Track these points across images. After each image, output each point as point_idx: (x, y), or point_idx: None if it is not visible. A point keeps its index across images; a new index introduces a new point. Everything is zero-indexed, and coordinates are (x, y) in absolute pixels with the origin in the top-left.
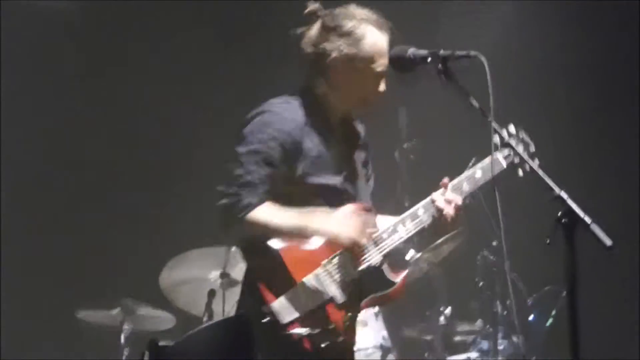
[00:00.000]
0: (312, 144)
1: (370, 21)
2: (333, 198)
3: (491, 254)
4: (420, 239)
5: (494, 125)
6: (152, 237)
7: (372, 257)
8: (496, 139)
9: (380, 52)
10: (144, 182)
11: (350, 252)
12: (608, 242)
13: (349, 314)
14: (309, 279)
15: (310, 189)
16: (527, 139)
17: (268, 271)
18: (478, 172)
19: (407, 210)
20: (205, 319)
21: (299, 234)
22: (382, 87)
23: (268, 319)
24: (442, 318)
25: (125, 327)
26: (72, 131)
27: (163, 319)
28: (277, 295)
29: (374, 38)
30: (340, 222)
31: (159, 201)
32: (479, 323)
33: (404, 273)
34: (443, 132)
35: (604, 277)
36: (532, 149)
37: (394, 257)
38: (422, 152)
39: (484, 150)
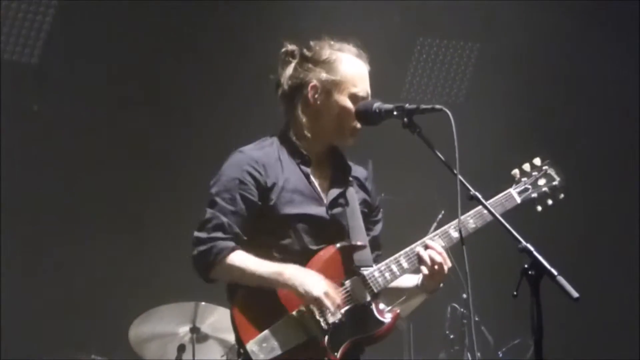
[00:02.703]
0: (287, 176)
1: (347, 50)
2: (318, 229)
3: (460, 306)
4: (390, 293)
5: (460, 178)
6: (121, 292)
7: (361, 296)
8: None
9: (360, 77)
10: (113, 236)
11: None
12: (574, 294)
13: (330, 356)
14: (289, 318)
15: (285, 220)
16: (552, 172)
17: (247, 309)
18: (470, 221)
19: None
20: None
21: (272, 282)
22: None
23: (242, 358)
24: None
25: None
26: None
27: None
28: (254, 335)
29: (352, 63)
30: (311, 280)
31: (129, 258)
32: None
33: (395, 313)
34: (411, 184)
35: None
36: (557, 182)
37: (385, 297)
38: (391, 204)
39: (453, 202)
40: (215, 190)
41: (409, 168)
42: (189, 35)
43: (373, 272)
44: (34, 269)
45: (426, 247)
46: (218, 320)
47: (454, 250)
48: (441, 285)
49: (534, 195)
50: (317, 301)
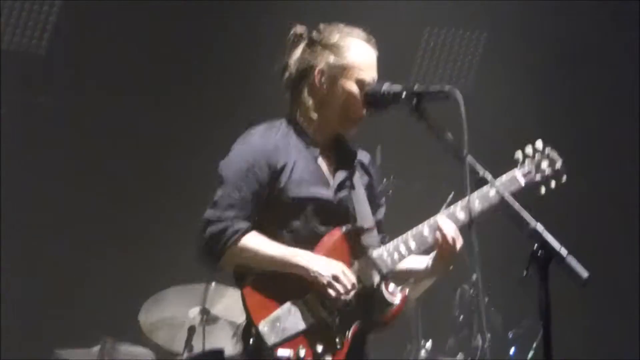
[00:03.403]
0: (296, 159)
1: (356, 35)
2: (326, 212)
3: (470, 287)
4: (399, 276)
5: (470, 160)
6: (131, 275)
7: (370, 278)
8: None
9: (367, 63)
10: (122, 219)
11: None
12: (584, 274)
13: (339, 337)
14: (301, 299)
15: (295, 203)
16: (554, 155)
17: (258, 290)
18: (476, 202)
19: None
20: (185, 355)
21: (285, 266)
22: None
23: (253, 339)
24: (422, 352)
25: None
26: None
27: (143, 356)
28: (265, 315)
29: (360, 49)
30: (321, 264)
31: (138, 239)
32: (459, 357)
33: (404, 294)
34: (420, 167)
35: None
36: (559, 165)
37: (394, 279)
38: (400, 189)
39: (462, 186)
40: (225, 170)
41: (418, 153)
42: (200, 27)
43: (381, 253)
44: (40, 252)
45: (437, 227)
46: (229, 301)
47: (462, 232)
48: (451, 267)
49: (538, 177)
50: (327, 285)
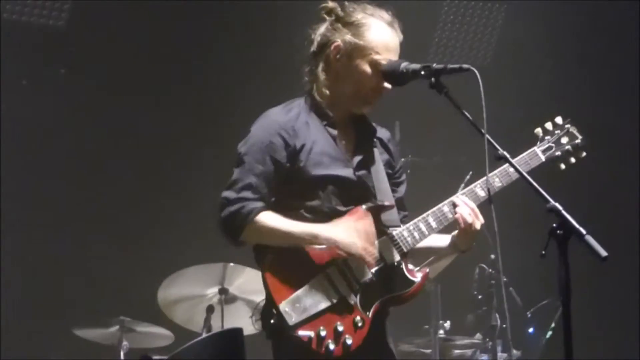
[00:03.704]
0: (315, 138)
1: (379, 16)
2: (346, 190)
3: (489, 267)
4: (420, 253)
5: (488, 137)
6: (149, 255)
7: (391, 256)
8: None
9: (386, 46)
10: (140, 200)
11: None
12: (603, 253)
13: (361, 316)
14: (320, 279)
15: (315, 182)
16: (574, 131)
17: (279, 270)
18: (496, 179)
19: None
20: (203, 334)
21: (307, 240)
22: (386, 83)
23: (274, 319)
24: (441, 332)
25: (124, 344)
26: (72, 150)
27: (161, 336)
28: (286, 296)
29: (380, 30)
30: (348, 232)
31: (156, 219)
32: (478, 336)
33: (425, 272)
34: (439, 143)
35: (603, 277)
36: (579, 141)
37: (414, 257)
38: (418, 167)
39: (481, 162)
40: (244, 150)
41: (437, 130)
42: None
43: (402, 231)
44: (56, 233)
45: (455, 204)
46: (246, 281)
47: (481, 210)
48: (472, 245)
49: (558, 153)
50: (357, 256)
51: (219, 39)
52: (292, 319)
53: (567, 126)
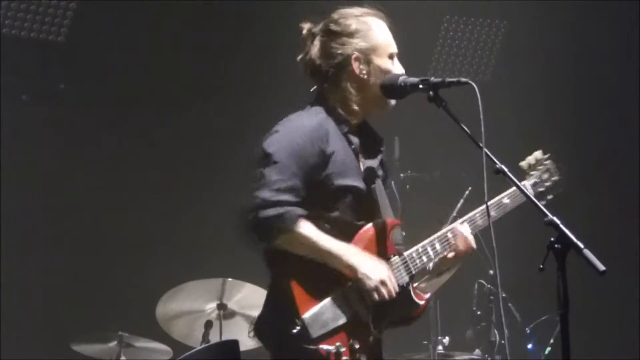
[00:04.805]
0: (338, 146)
1: (368, 14)
2: (359, 202)
3: (487, 282)
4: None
5: (486, 151)
6: (148, 270)
7: (401, 277)
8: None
9: (388, 36)
10: (140, 215)
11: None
12: (601, 267)
13: (373, 333)
14: (340, 294)
15: (336, 192)
16: (553, 168)
17: (305, 280)
18: (492, 211)
19: (404, 241)
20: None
21: (335, 259)
22: (398, 68)
23: (298, 329)
24: (440, 347)
25: (122, 359)
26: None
27: (160, 351)
28: (310, 307)
29: (378, 25)
30: (373, 266)
31: (155, 234)
32: (477, 352)
33: (428, 295)
34: (438, 158)
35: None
36: (557, 178)
37: (419, 279)
38: (418, 182)
39: (480, 177)
40: (275, 150)
41: (436, 145)
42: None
43: (412, 253)
44: (55, 247)
45: (455, 234)
46: (245, 296)
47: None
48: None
49: (541, 189)
50: (374, 290)
51: (221, 51)
52: (315, 331)
53: (547, 162)
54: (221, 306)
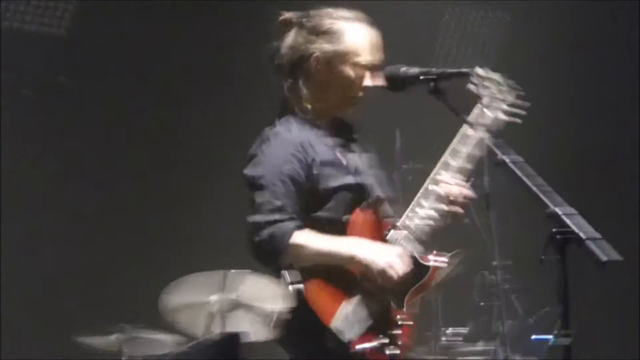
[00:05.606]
0: (318, 151)
1: (348, 18)
2: (352, 196)
3: (490, 273)
4: None
5: (487, 142)
6: (151, 262)
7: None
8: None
9: (363, 46)
10: (142, 207)
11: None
12: (603, 257)
13: (399, 314)
14: (357, 289)
15: (330, 193)
16: (497, 77)
17: (317, 290)
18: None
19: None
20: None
21: (338, 257)
22: (366, 81)
23: (330, 344)
24: (444, 339)
25: (125, 351)
26: (73, 158)
27: (162, 343)
28: (332, 313)
29: (354, 32)
30: (379, 249)
31: (158, 226)
32: (480, 344)
33: (432, 254)
34: (440, 149)
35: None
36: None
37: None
38: (420, 173)
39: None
40: (260, 172)
41: (437, 136)
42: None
43: (404, 221)
44: (56, 240)
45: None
46: (248, 288)
47: (481, 214)
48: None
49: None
50: (380, 274)
51: (222, 46)
52: (346, 335)
53: (491, 75)
54: (225, 297)
